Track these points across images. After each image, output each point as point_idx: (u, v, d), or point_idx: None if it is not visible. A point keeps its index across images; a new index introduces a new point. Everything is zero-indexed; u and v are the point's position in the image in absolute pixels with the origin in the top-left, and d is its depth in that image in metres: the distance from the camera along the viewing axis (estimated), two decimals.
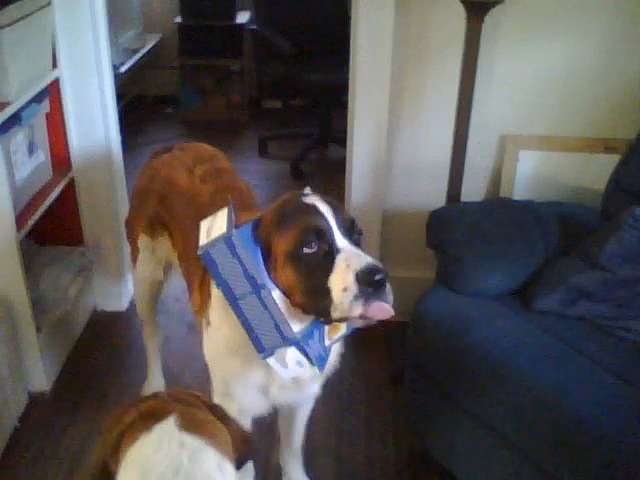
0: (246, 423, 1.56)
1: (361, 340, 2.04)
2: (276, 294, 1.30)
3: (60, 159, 2.43)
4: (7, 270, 2.08)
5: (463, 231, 1.92)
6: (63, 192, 2.40)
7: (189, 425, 0.98)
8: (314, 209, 1.31)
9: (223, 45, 4.56)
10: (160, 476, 0.93)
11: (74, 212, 2.53)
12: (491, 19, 2.03)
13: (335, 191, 2.26)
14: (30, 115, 2.17)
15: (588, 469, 1.42)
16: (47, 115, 2.34)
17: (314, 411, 1.82)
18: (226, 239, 1.27)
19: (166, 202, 1.80)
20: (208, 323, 1.52)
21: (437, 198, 2.26)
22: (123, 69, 4.08)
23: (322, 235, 1.28)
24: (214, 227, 1.32)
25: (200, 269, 1.54)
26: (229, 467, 0.99)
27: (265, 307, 1.29)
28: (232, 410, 1.40)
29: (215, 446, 0.98)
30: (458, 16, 2.05)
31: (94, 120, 2.40)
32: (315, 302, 1.28)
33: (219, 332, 1.48)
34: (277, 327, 1.29)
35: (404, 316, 1.84)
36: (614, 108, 2.29)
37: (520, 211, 2.01)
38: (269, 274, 1.31)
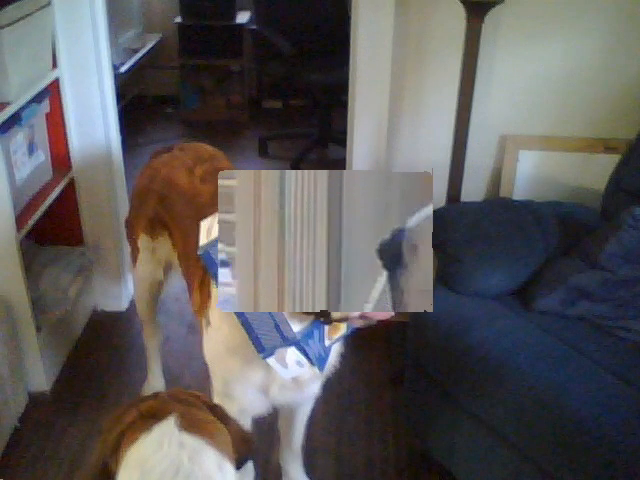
0: (246, 423, 1.56)
1: (361, 340, 2.05)
2: None
3: (60, 159, 2.42)
4: (7, 270, 2.08)
5: (463, 231, 1.92)
6: (63, 192, 2.40)
7: (189, 425, 0.98)
8: None
9: (223, 45, 4.56)
10: (160, 476, 0.93)
11: (74, 212, 2.52)
12: (491, 19, 2.03)
13: None
14: (30, 115, 2.16)
15: (588, 469, 1.42)
16: (47, 115, 2.34)
17: (314, 411, 1.82)
18: None
19: (166, 202, 1.80)
20: (208, 323, 1.52)
21: (437, 198, 2.25)
22: (123, 69, 4.08)
23: None
24: (214, 227, 1.32)
25: (200, 269, 1.54)
26: (229, 467, 0.99)
27: None
28: (232, 410, 1.40)
29: (215, 446, 0.98)
30: (458, 16, 2.05)
31: (94, 120, 2.40)
32: None
33: (219, 332, 1.48)
34: (277, 327, 1.29)
35: (404, 316, 1.84)
36: (614, 108, 2.29)
37: (520, 211, 2.01)
38: None
